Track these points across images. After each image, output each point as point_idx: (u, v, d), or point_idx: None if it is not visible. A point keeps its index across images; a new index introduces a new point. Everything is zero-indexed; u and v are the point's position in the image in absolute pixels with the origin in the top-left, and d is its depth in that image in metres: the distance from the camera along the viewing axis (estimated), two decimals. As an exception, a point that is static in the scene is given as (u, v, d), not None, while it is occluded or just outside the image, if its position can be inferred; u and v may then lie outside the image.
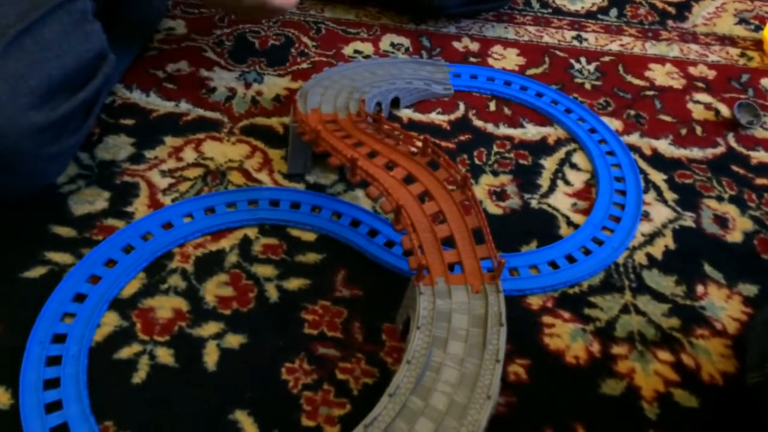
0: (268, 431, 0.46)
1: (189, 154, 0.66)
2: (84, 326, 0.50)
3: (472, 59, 0.83)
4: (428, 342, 0.46)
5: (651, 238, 0.63)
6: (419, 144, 0.57)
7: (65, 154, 0.57)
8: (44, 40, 0.52)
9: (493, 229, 0.60)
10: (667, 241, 0.63)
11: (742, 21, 0.96)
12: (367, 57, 0.82)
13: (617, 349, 0.53)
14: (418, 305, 0.48)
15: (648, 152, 0.72)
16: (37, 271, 0.54)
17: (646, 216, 0.65)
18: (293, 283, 0.56)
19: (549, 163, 0.70)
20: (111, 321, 0.52)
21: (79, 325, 0.50)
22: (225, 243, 0.58)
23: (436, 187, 0.54)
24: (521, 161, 0.70)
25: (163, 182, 0.63)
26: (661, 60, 0.86)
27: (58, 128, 0.53)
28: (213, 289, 0.55)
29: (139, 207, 0.60)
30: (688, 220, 0.65)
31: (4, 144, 0.49)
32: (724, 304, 0.58)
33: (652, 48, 0.88)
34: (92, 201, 0.60)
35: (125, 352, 0.50)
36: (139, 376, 0.48)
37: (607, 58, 0.85)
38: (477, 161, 0.69)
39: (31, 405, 0.45)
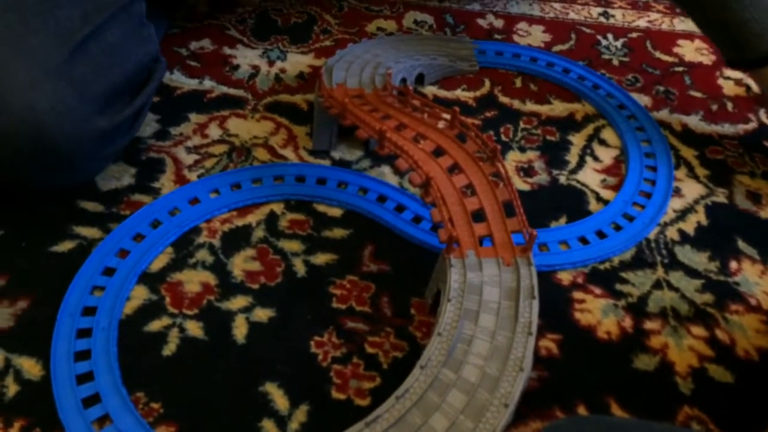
0: (298, 403, 0.46)
1: (214, 131, 0.66)
2: (113, 299, 0.50)
3: (497, 36, 0.82)
4: (459, 314, 0.46)
5: (683, 214, 0.61)
6: (447, 117, 0.57)
7: (116, 153, 0.58)
8: (108, 45, 0.53)
9: (522, 204, 0.60)
10: (699, 217, 0.61)
11: (773, -4, 0.94)
12: (390, 34, 0.81)
13: (650, 325, 0.53)
14: (448, 278, 0.47)
15: (678, 128, 0.71)
16: (65, 246, 0.54)
17: (677, 192, 0.64)
18: (320, 258, 0.55)
19: (577, 140, 0.69)
20: (140, 294, 0.52)
21: (109, 297, 0.50)
22: (251, 218, 0.58)
23: (465, 160, 0.53)
24: (549, 137, 0.69)
25: (189, 158, 0.63)
26: (690, 36, 0.84)
27: (116, 131, 0.54)
28: (240, 264, 0.54)
29: (166, 183, 0.60)
30: (720, 196, 0.64)
31: (72, 148, 0.50)
32: (759, 280, 0.56)
33: (680, 24, 0.86)
34: (119, 177, 0.60)
35: (155, 325, 0.50)
36: (170, 349, 0.48)
37: (634, 35, 0.84)
38: (504, 138, 0.68)
39: (62, 376, 0.45)
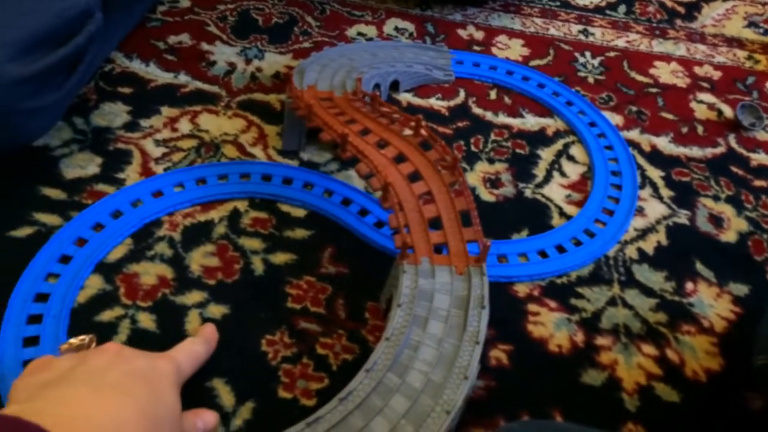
0: (243, 400, 0.46)
1: (184, 125, 0.66)
2: (67, 287, 0.50)
3: (476, 47, 0.83)
4: (408, 320, 0.46)
5: (644, 233, 0.62)
6: (413, 124, 0.57)
7: (47, 111, 0.56)
8: None
9: (485, 216, 0.60)
10: (659, 237, 0.62)
11: (752, 24, 0.95)
12: (369, 40, 0.81)
13: (601, 341, 0.53)
14: (400, 284, 0.48)
15: (647, 149, 0.72)
16: (24, 231, 0.54)
17: (640, 211, 0.64)
18: (280, 258, 0.56)
19: (546, 154, 0.69)
20: (95, 284, 0.51)
21: (63, 285, 0.50)
22: (214, 214, 0.58)
23: (426, 168, 0.53)
24: (518, 150, 0.69)
25: (157, 151, 0.63)
26: (666, 58, 0.85)
27: (37, 82, 0.52)
28: (199, 259, 0.54)
29: (131, 174, 0.60)
30: (682, 218, 0.64)
31: None
32: (713, 303, 0.57)
33: (658, 46, 0.87)
34: (84, 165, 0.60)
35: (107, 315, 0.50)
36: (120, 339, 0.48)
37: (612, 54, 0.85)
38: (473, 148, 0.69)
39: (10, 361, 0.45)
